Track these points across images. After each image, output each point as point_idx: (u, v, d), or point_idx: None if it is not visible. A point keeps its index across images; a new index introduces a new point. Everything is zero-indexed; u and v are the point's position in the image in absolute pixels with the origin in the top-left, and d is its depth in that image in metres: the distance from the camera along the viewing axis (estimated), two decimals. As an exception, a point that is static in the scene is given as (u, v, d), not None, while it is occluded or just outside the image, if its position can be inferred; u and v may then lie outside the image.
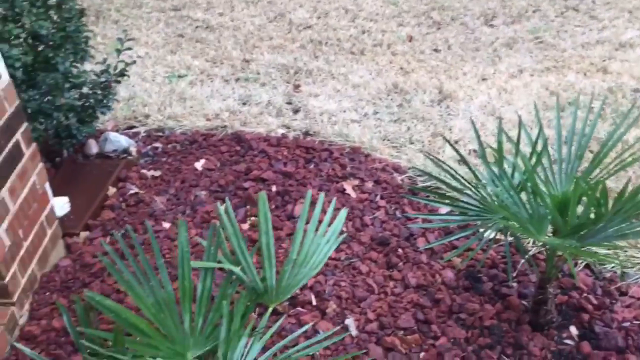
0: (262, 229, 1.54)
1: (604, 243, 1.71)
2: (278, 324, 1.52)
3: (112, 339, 1.28)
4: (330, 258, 2.35)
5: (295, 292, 2.16)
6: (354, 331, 2.04)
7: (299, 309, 2.12)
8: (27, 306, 2.11)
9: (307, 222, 1.65)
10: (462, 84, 3.71)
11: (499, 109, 3.40)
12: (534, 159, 1.89)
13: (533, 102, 3.44)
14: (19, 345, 1.57)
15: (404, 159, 3.00)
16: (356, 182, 2.79)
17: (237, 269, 1.50)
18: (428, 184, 2.77)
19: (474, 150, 3.03)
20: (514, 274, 2.23)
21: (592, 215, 1.71)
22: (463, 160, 2.01)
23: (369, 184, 2.77)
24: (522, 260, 2.27)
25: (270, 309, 1.54)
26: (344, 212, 1.67)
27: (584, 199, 1.74)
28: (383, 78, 3.84)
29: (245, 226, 2.53)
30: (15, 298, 2.01)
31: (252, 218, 2.57)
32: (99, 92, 2.88)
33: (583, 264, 2.25)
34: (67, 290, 2.19)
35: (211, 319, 1.50)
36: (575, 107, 2.14)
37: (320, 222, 1.66)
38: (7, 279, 1.96)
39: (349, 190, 2.72)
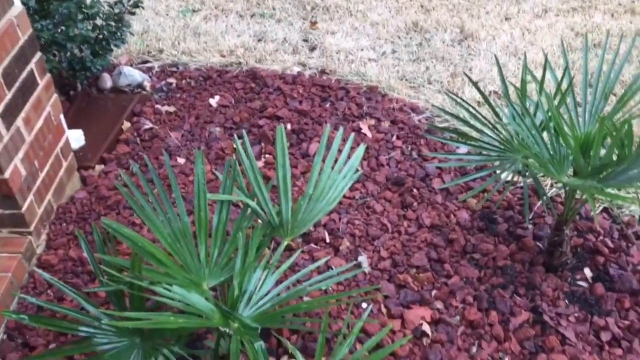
0: (279, 163, 1.53)
1: (626, 185, 1.66)
2: (292, 258, 1.52)
3: (130, 265, 1.29)
4: (344, 197, 2.34)
5: (309, 229, 2.18)
6: (367, 268, 2.05)
7: (313, 245, 2.13)
8: (44, 236, 2.13)
9: (324, 160, 1.63)
10: (485, 23, 3.59)
11: (522, 50, 3.30)
12: (557, 99, 1.83)
13: (557, 42, 3.33)
14: (38, 271, 1.59)
15: (422, 99, 2.94)
16: (372, 121, 2.75)
17: (252, 202, 1.49)
18: (446, 124, 2.72)
19: (495, 92, 2.97)
20: (530, 216, 2.21)
21: (614, 157, 1.68)
22: (485, 99, 1.96)
23: (386, 124, 2.73)
24: (539, 203, 2.25)
25: (285, 242, 1.54)
26: (361, 149, 1.65)
27: (607, 140, 1.70)
28: (403, 16, 3.73)
29: (260, 163, 2.52)
30: (32, 227, 2.04)
31: (267, 155, 2.56)
32: (113, 24, 2.82)
33: (601, 207, 2.23)
34: (83, 221, 2.21)
35: (226, 251, 1.50)
36: (603, 48, 2.06)
37: (337, 158, 1.64)
38: (24, 208, 1.98)
39: (365, 129, 2.68)
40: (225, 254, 1.50)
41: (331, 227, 2.20)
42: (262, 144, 2.61)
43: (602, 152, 1.69)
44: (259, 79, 3.03)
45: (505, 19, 3.66)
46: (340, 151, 1.86)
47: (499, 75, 2.00)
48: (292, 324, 1.59)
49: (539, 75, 2.65)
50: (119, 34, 2.82)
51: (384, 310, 1.91)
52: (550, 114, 1.73)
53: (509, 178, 2.34)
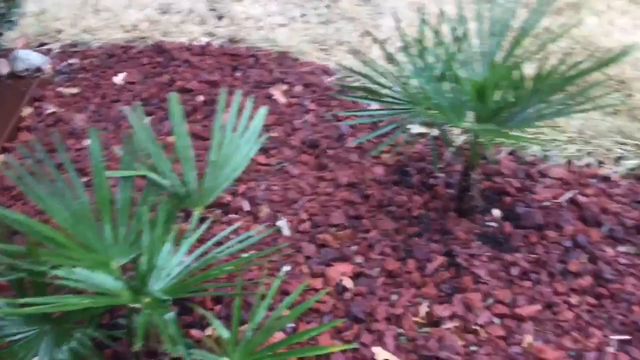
0: (176, 131, 1.50)
1: (523, 125, 1.74)
2: (204, 226, 1.51)
3: (27, 251, 1.24)
4: (261, 164, 2.34)
5: (227, 199, 2.17)
6: (287, 231, 2.07)
7: (232, 215, 2.13)
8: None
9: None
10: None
11: (428, 5, 3.35)
12: (455, 48, 1.88)
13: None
14: None
15: (333, 60, 2.94)
16: (285, 87, 2.74)
17: (154, 175, 1.46)
18: (357, 84, 2.74)
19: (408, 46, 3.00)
20: (441, 165, 2.28)
21: (511, 99, 1.75)
22: (387, 56, 1.98)
23: (298, 88, 2.73)
24: (448, 151, 2.32)
25: (196, 212, 1.53)
26: (262, 111, 1.64)
27: (503, 84, 1.76)
28: (310, -21, 3.69)
29: (172, 139, 2.46)
30: None
31: (179, 129, 2.50)
32: (2, 4, 2.66)
33: (506, 150, 2.32)
34: (-12, 215, 2.11)
35: (135, 227, 1.47)
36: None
37: (237, 124, 1.63)
38: None
39: (277, 95, 2.67)
40: (132, 231, 1.47)
41: (249, 195, 2.19)
42: (174, 119, 2.55)
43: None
44: (166, 52, 2.94)
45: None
46: (251, 117, 1.85)
47: (398, 33, 2.02)
48: (204, 292, 1.58)
49: (443, 28, 2.71)
50: (8, 15, 2.66)
51: (306, 270, 1.94)
52: (446, 64, 1.77)
53: (421, 130, 2.40)
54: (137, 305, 1.27)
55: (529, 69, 1.77)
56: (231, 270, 1.71)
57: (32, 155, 2.32)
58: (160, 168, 1.50)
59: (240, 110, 1.64)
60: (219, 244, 1.51)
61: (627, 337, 1.69)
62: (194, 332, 1.73)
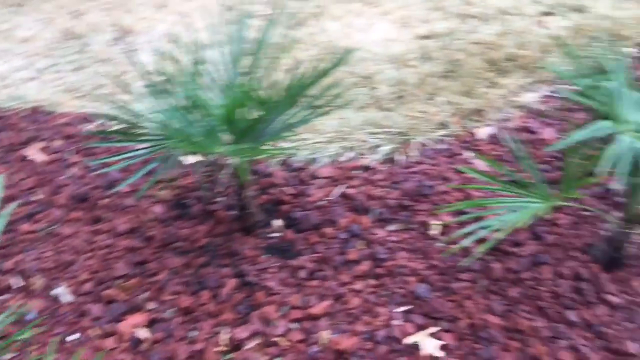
0: None
1: (275, 138, 1.82)
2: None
3: None
4: (26, 232, 2.15)
5: (-8, 280, 1.96)
6: (68, 297, 1.92)
7: (2, 296, 1.92)
8: None
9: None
10: (140, 16, 3.57)
11: (180, 35, 3.36)
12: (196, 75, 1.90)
13: (213, 21, 3.47)
14: None
15: (91, 107, 2.81)
16: (42, 144, 2.55)
17: None
18: (120, 127, 2.65)
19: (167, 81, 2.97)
20: (220, 190, 2.29)
21: (255, 117, 1.81)
22: (135, 95, 1.94)
23: (58, 142, 2.56)
24: (223, 174, 2.35)
25: None
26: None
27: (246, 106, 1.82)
28: (54, 26, 3.50)
29: None
30: None
31: None
32: None
33: (277, 161, 2.41)
34: None
35: None
36: (245, 16, 2.18)
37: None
38: None
39: (33, 155, 2.48)
40: None
41: (19, 268, 2.00)
42: None
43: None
44: None
45: (160, 7, 3.69)
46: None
47: (141, 70, 1.99)
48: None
49: (198, 56, 2.73)
50: None
51: (96, 333, 1.82)
52: (189, 93, 1.78)
53: (195, 159, 2.40)
54: None
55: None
56: None
57: None
58: None
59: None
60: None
61: (408, 307, 1.85)
62: None
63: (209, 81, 1.95)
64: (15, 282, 1.96)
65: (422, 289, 1.88)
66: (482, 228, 1.65)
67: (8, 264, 2.01)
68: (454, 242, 1.98)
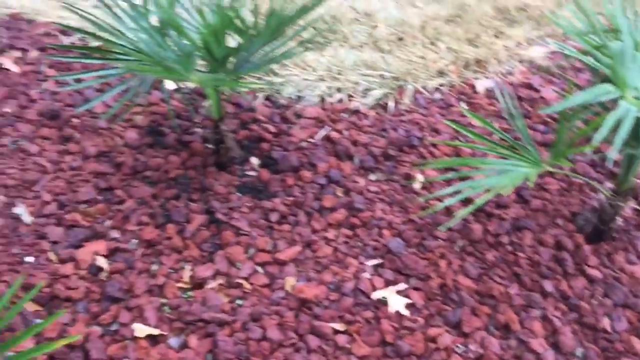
0: None
1: (254, 70, 1.69)
2: None
3: None
4: (-9, 146, 2.04)
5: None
6: (27, 218, 1.84)
7: (-41, 210, 1.84)
8: None
9: None
10: None
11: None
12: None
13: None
14: None
15: (74, 19, 2.65)
16: (17, 53, 2.41)
17: None
18: (99, 43, 2.50)
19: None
20: (197, 120, 2.18)
21: (236, 46, 1.68)
22: (105, 5, 1.80)
23: (33, 54, 2.42)
24: (204, 103, 2.22)
25: None
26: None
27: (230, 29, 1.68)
28: None
29: None
30: None
31: None
32: None
33: (262, 95, 2.28)
34: None
35: None
36: None
37: None
38: None
39: (8, 64, 2.34)
40: None
41: (-21, 184, 1.91)
42: None
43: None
44: None
45: None
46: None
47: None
48: None
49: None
50: None
51: (54, 257, 1.75)
52: (164, 14, 1.64)
53: (174, 85, 2.27)
54: None
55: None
56: None
57: None
58: None
59: None
60: None
61: (379, 260, 1.78)
62: None
63: (188, 2, 1.80)
64: (-25, 197, 1.88)
65: (396, 243, 1.80)
66: (468, 188, 1.55)
67: (-31, 178, 1.92)
68: (437, 199, 1.89)
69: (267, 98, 2.29)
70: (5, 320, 1.30)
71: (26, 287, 1.65)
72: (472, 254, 1.78)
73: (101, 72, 2.07)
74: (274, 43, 1.73)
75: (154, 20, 1.75)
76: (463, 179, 1.69)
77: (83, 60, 2.01)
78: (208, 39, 1.59)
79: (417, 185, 1.97)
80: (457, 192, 1.59)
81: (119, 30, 1.78)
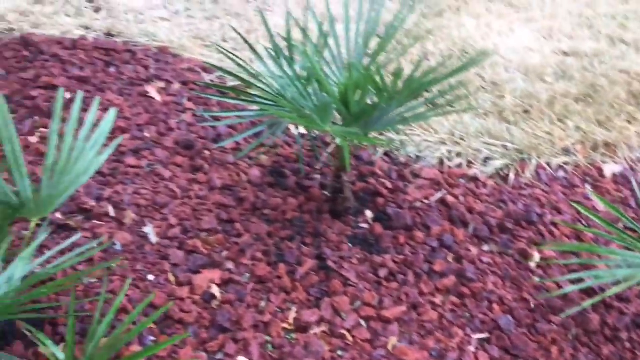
0: (4, 136, 1.37)
1: (385, 129, 1.74)
2: (42, 238, 1.39)
3: None
4: (130, 166, 2.21)
5: (91, 204, 2.04)
6: (154, 238, 1.97)
7: (95, 222, 2.00)
8: None
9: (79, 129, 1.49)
10: (279, -22, 3.57)
11: (314, 3, 3.33)
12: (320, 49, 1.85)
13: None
14: None
15: (215, 58, 2.85)
16: (161, 84, 2.62)
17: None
18: (236, 83, 2.67)
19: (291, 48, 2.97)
20: (318, 167, 2.25)
21: (372, 103, 1.74)
22: (256, 54, 1.93)
23: (176, 86, 2.62)
24: (326, 153, 2.30)
25: (32, 224, 1.41)
26: (112, 113, 1.53)
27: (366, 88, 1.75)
28: (196, -28, 3.57)
29: (34, 139, 2.29)
30: None
31: (42, 130, 2.33)
32: None
33: (381, 151, 2.33)
34: None
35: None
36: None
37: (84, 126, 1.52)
38: None
39: (152, 93, 2.55)
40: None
41: (115, 199, 2.07)
42: (37, 118, 2.38)
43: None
44: (33, 45, 2.73)
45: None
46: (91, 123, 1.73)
47: (268, 32, 1.96)
48: (27, 314, 1.46)
49: (326, 28, 2.70)
50: None
51: (172, 279, 1.85)
52: (310, 64, 1.74)
53: (302, 131, 2.37)
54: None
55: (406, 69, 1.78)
56: (65, 287, 1.59)
57: None
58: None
59: (78, 112, 1.52)
60: (70, 252, 1.40)
61: (486, 335, 1.73)
62: (45, 350, 1.61)
63: (332, 56, 1.90)
64: (110, 211, 2.03)
65: (506, 320, 1.75)
66: (592, 278, 1.49)
67: (107, 192, 2.09)
68: (556, 284, 1.83)
69: (387, 154, 2.33)
70: (130, 337, 1.39)
71: (151, 306, 1.75)
72: (586, 345, 1.70)
73: (239, 113, 2.22)
74: (407, 105, 1.78)
75: (296, 68, 1.86)
76: (584, 266, 1.63)
77: (224, 100, 2.16)
78: (348, 94, 1.67)
79: (532, 264, 1.92)
80: (578, 280, 1.54)
81: (259, 74, 1.91)
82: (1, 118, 1.37)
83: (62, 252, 1.78)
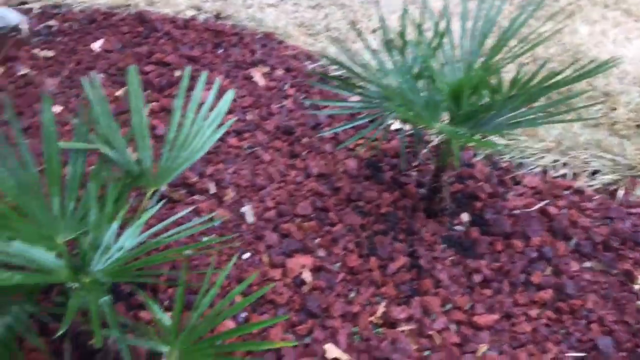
0: (133, 107, 1.44)
1: (494, 132, 1.69)
2: (157, 207, 1.45)
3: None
4: (232, 146, 2.28)
5: (193, 179, 2.11)
6: (250, 218, 2.02)
7: (197, 197, 2.07)
8: None
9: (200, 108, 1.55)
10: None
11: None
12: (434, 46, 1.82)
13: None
14: None
15: (318, 46, 2.88)
16: (266, 69, 2.67)
17: (108, 149, 1.40)
18: (339, 73, 2.68)
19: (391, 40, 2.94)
20: (415, 164, 2.23)
21: (486, 104, 1.70)
22: (366, 46, 1.93)
23: (279, 72, 2.66)
24: (424, 150, 2.27)
25: (149, 192, 1.47)
26: (230, 94, 1.58)
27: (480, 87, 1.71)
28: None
29: (145, 112, 2.39)
30: None
31: (153, 104, 2.43)
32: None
33: (482, 154, 2.28)
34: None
35: (84, 203, 1.42)
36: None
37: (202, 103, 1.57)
38: None
39: (257, 77, 2.60)
40: (82, 206, 1.41)
41: (217, 177, 2.14)
42: (148, 91, 2.49)
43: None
44: (148, 22, 2.86)
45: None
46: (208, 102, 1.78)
47: (382, 25, 1.95)
48: (145, 278, 1.53)
49: (427, 24, 2.66)
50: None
51: (266, 259, 1.89)
52: (424, 61, 1.72)
53: (400, 126, 2.35)
54: (74, 285, 1.21)
55: (511, 74, 1.72)
56: (188, 255, 1.67)
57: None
58: (115, 143, 1.44)
59: (201, 91, 1.58)
60: (178, 224, 1.46)
61: (582, 354, 1.66)
62: (144, 314, 1.69)
63: (445, 54, 1.86)
64: (211, 188, 2.10)
65: (605, 342, 1.67)
66: None
67: (209, 170, 2.16)
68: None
69: (487, 157, 2.27)
70: (233, 311, 1.44)
71: (239, 280, 1.80)
72: (693, 380, 1.60)
73: (344, 104, 2.23)
74: (522, 110, 1.72)
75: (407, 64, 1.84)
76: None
77: (335, 90, 2.17)
78: (461, 92, 1.63)
79: (637, 287, 1.82)
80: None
81: (367, 65, 1.90)
82: (133, 89, 1.44)
83: (176, 224, 1.87)
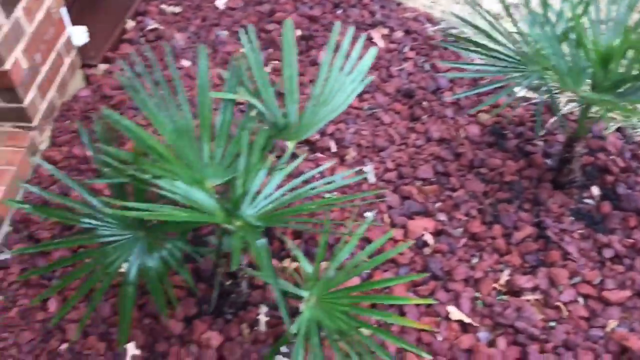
0: (285, 61, 1.47)
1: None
2: (298, 161, 1.49)
3: (132, 158, 1.27)
4: (352, 107, 2.29)
5: (315, 137, 2.15)
6: (372, 178, 2.04)
7: (318, 154, 2.11)
8: (47, 133, 2.11)
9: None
10: None
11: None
12: (581, 7, 1.74)
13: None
14: (44, 163, 1.57)
15: (437, 9, 2.81)
16: (385, 31, 2.64)
17: (257, 102, 1.45)
18: (463, 36, 2.61)
19: (515, 6, 2.83)
20: (542, 134, 2.16)
21: (635, 72, 1.61)
22: (504, 6, 1.86)
23: (399, 34, 2.63)
24: (552, 120, 2.19)
25: (292, 144, 1.51)
26: (372, 52, 1.58)
27: (630, 54, 1.62)
28: None
29: (267, 69, 2.45)
30: (35, 123, 2.01)
31: (274, 62, 2.48)
32: None
33: (614, 126, 2.17)
34: (87, 119, 2.18)
35: (230, 151, 1.48)
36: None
37: (345, 62, 1.58)
38: (26, 102, 1.95)
39: (376, 39, 2.59)
40: (229, 154, 1.47)
41: (337, 136, 2.16)
42: (271, 50, 2.53)
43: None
44: (269, -19, 2.89)
45: None
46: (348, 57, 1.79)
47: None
48: (297, 224, 1.58)
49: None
50: None
51: (387, 220, 1.91)
52: (571, 23, 1.64)
53: (523, 94, 2.28)
54: (230, 227, 1.28)
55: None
56: (324, 209, 1.71)
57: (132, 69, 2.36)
58: (264, 96, 1.49)
59: (347, 48, 1.58)
60: (306, 181, 1.50)
61: None
62: (274, 262, 1.76)
63: (589, 19, 1.77)
64: (332, 147, 2.13)
65: None
66: None
67: (330, 129, 2.18)
68: None
69: (619, 130, 2.16)
70: (368, 266, 1.47)
71: (362, 238, 1.82)
72: None
73: (475, 67, 2.18)
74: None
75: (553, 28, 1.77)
76: None
77: (463, 54, 2.11)
78: (612, 58, 1.56)
79: None
80: None
81: (508, 32, 1.84)
82: (287, 43, 1.47)
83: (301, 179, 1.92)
